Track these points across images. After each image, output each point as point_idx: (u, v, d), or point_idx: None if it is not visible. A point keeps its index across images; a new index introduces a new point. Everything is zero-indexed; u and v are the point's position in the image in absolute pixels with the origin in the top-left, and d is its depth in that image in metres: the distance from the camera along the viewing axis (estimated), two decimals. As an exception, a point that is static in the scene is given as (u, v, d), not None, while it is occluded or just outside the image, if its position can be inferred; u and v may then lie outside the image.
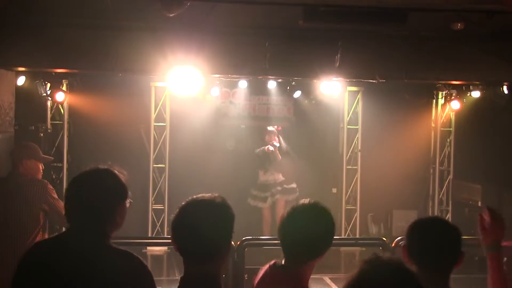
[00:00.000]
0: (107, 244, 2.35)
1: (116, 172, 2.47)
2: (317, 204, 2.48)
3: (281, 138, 9.65)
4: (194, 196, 2.23)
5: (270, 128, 9.73)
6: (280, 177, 9.47)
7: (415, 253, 2.34)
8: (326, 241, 2.45)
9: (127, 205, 2.46)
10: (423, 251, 2.34)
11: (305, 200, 2.49)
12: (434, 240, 2.36)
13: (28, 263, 2.40)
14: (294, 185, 9.49)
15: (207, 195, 2.22)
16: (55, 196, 4.78)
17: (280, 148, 9.59)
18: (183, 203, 2.21)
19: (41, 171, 4.90)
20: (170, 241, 2.25)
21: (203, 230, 2.12)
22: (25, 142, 5.32)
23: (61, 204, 4.86)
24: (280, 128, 9.81)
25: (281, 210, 8.36)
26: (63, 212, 5.00)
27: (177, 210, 2.20)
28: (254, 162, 9.68)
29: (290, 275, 2.41)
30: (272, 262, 2.53)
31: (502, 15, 4.49)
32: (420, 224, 2.45)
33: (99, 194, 2.38)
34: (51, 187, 4.81)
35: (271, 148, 9.42)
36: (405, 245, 2.37)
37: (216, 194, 2.23)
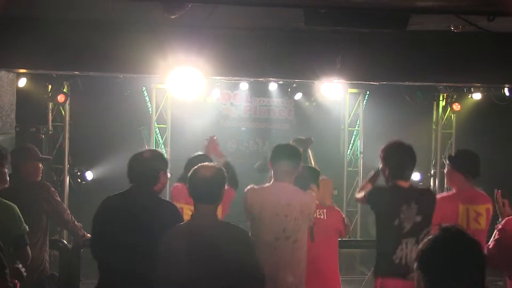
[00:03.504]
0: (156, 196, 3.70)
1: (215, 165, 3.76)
2: None
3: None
4: (202, 164, 3.36)
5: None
6: None
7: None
8: None
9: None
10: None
11: None
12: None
13: (104, 207, 3.66)
14: None
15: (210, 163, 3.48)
16: (58, 198, 4.81)
17: None
18: (195, 167, 3.32)
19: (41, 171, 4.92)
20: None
21: (208, 183, 3.26)
22: (23, 144, 5.31)
23: (63, 206, 4.88)
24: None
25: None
26: (64, 214, 5.00)
27: (192, 171, 3.31)
28: None
29: None
30: None
31: (503, 17, 4.48)
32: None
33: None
34: (54, 189, 4.83)
35: None
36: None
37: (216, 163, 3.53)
